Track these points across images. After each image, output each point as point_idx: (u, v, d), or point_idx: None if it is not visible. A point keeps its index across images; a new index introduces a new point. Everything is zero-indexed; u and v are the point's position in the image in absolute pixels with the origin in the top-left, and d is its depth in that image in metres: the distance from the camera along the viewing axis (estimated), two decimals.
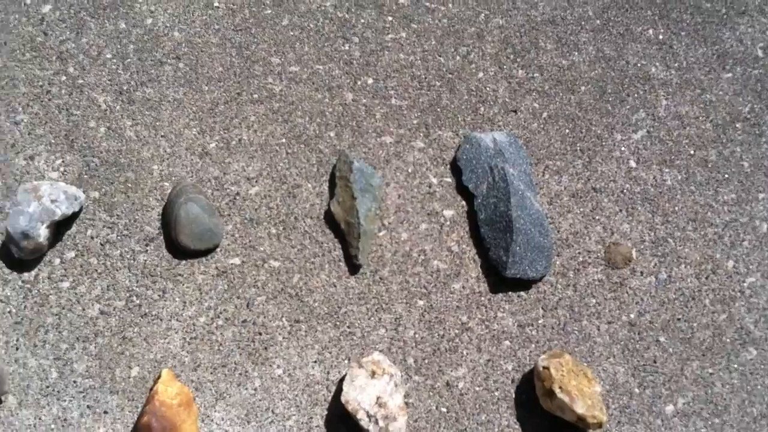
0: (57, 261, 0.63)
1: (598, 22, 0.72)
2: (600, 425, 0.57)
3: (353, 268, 0.64)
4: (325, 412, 0.60)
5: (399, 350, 0.62)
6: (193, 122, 0.67)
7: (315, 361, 0.61)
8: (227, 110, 0.67)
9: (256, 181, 0.66)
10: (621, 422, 0.60)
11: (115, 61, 0.68)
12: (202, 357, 0.61)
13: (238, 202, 0.65)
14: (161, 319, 0.62)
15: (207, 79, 0.67)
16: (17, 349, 0.60)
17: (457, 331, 0.62)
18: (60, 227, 0.63)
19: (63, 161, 0.65)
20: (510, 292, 0.63)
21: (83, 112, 0.66)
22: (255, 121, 0.67)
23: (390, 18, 0.71)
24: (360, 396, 0.58)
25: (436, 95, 0.68)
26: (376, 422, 0.58)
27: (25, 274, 0.62)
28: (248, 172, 0.66)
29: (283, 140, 0.67)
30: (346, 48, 0.69)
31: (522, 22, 0.71)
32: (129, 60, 0.68)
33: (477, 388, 0.61)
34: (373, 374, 0.59)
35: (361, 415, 0.58)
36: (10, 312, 0.61)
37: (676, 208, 0.65)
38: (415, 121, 0.68)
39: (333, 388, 0.61)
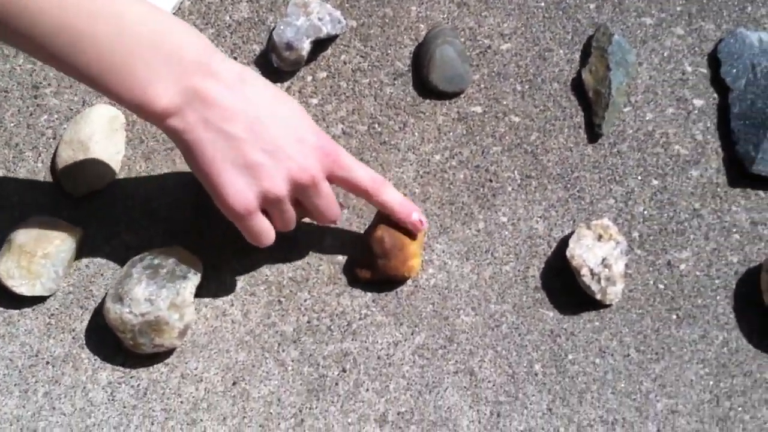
0: (309, 78, 0.66)
1: None
2: None
3: (593, 136, 0.64)
4: (543, 265, 0.62)
5: (625, 222, 0.62)
6: None
7: (540, 217, 0.63)
8: None
9: (509, 38, 0.67)
10: None
11: None
12: (432, 191, 0.64)
13: (488, 55, 0.66)
14: (398, 150, 0.65)
15: None
16: None
17: (687, 216, 0.62)
18: (317, 47, 0.66)
19: None
20: (749, 189, 0.62)
21: None
22: None
23: None
24: (586, 254, 0.59)
25: None
26: (599, 281, 0.59)
27: (279, 84, 0.66)
28: (503, 28, 0.67)
29: (542, 4, 0.68)
30: None
31: None
32: None
33: (698, 273, 0.61)
34: (599, 237, 0.60)
35: (584, 272, 0.59)
36: None
37: None
38: (678, 8, 0.67)
39: (554, 245, 0.62)
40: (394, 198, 0.55)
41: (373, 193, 0.54)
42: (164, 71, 0.45)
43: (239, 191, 0.48)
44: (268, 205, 0.51)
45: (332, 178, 0.53)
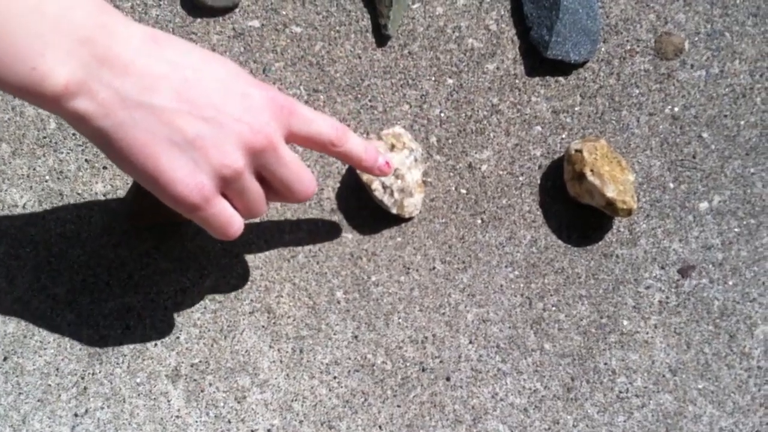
0: None
1: None
2: (629, 212, 0.53)
3: (381, 39, 0.59)
4: (338, 185, 0.57)
5: (422, 128, 0.58)
6: None
7: None
8: None
9: None
10: (650, 215, 0.57)
11: None
12: None
13: None
14: None
15: None
16: None
17: (485, 113, 0.58)
18: None
19: None
20: (548, 77, 0.58)
21: None
22: None
23: None
24: None
25: None
26: (392, 194, 0.54)
27: None
28: None
29: None
30: None
31: None
32: None
33: (501, 172, 0.57)
34: (392, 147, 0.55)
35: (376, 186, 0.55)
36: None
37: (737, 1, 0.59)
38: None
39: None
40: (358, 146, 0.47)
41: (337, 144, 0.45)
42: (54, 38, 0.35)
43: (187, 175, 0.38)
44: (227, 186, 0.41)
45: (291, 137, 0.43)
